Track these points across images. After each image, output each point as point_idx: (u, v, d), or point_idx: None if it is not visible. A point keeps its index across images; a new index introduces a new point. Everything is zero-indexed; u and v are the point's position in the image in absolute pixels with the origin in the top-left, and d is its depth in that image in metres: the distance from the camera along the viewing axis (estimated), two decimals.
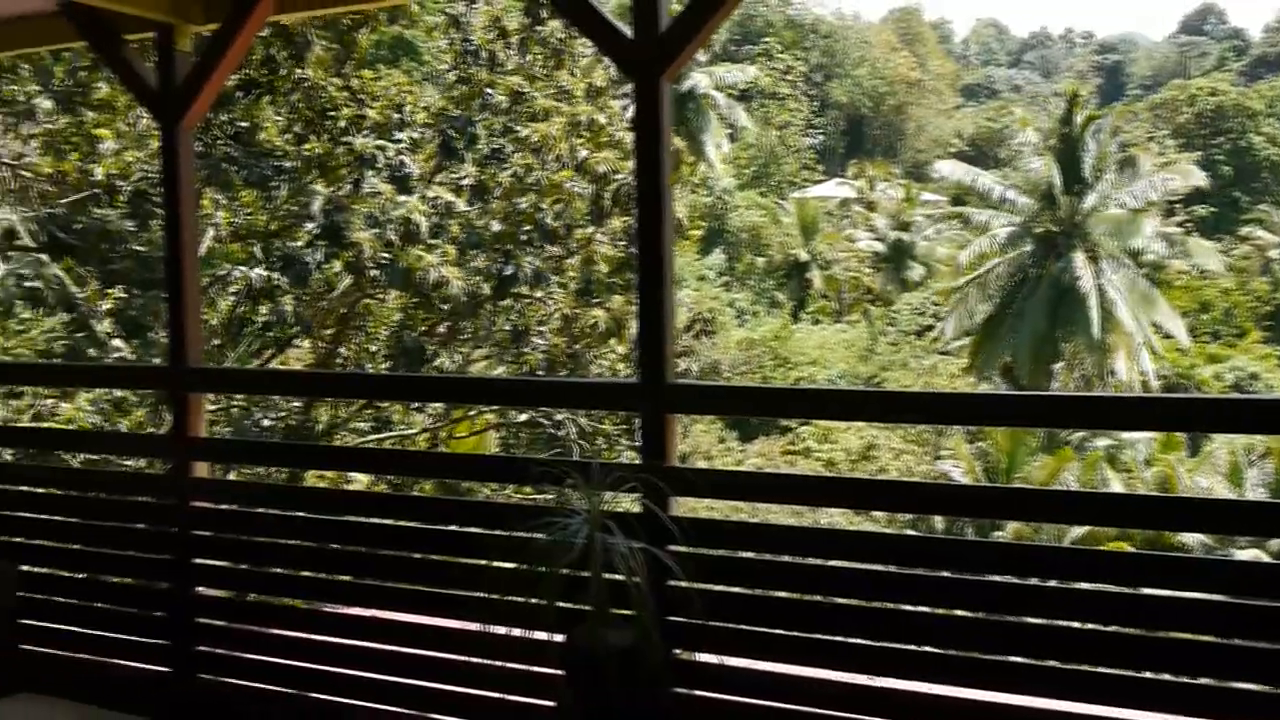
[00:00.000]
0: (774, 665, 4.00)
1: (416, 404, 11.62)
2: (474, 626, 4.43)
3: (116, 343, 10.26)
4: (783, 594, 4.03)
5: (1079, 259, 30.36)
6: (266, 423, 10.84)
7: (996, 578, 3.77)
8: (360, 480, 10.25)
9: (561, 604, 3.77)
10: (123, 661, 5.25)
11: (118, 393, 10.21)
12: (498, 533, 4.27)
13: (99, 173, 9.78)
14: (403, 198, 10.24)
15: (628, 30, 4.15)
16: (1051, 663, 3.66)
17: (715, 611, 3.95)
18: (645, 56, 4.08)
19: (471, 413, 12.35)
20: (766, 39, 41.62)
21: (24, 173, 10.11)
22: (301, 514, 5.02)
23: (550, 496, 6.11)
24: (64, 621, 5.39)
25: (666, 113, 4.09)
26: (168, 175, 5.10)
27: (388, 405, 11.59)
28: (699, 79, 39.49)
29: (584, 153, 11.03)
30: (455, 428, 12.61)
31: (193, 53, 5.11)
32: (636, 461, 4.20)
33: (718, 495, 4.62)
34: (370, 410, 11.66)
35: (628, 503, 4.07)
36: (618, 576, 3.74)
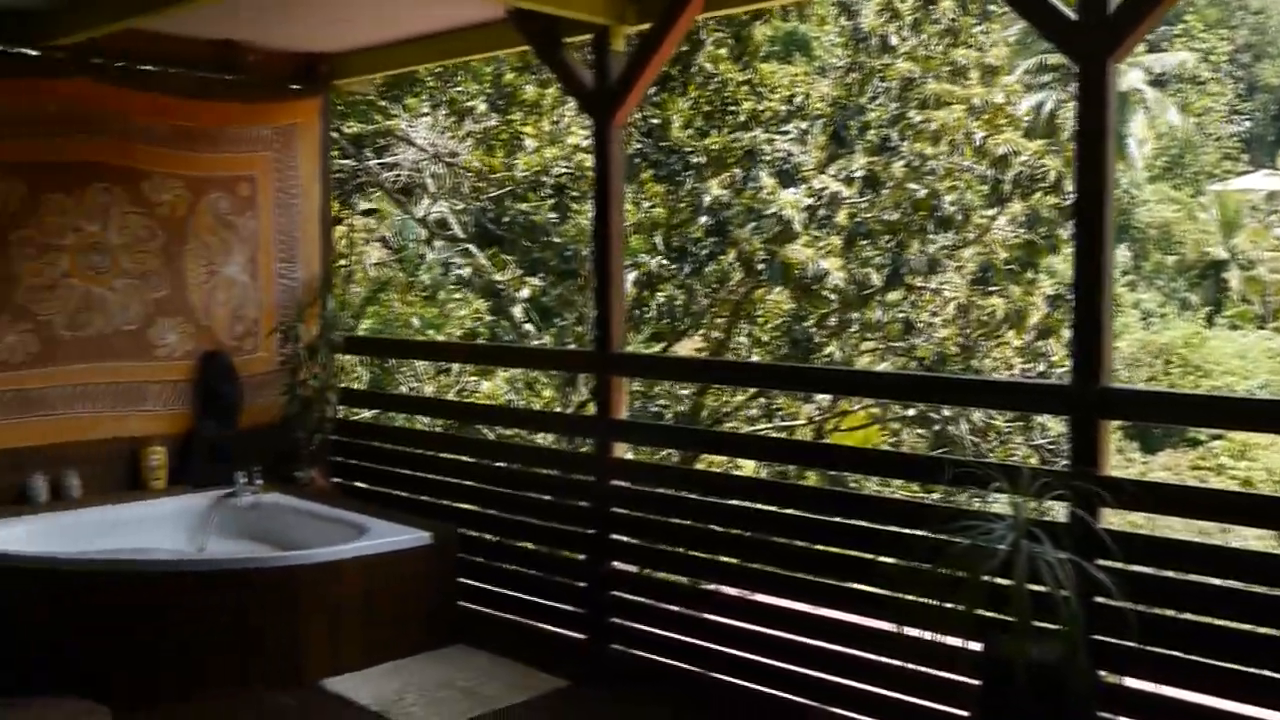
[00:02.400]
0: (1215, 701, 3.67)
1: (803, 395, 11.64)
2: (870, 622, 4.41)
3: (528, 327, 11.02)
4: (1236, 625, 3.67)
5: None
6: (654, 409, 11.27)
7: None
8: (746, 467, 10.45)
9: (980, 611, 3.64)
10: (544, 625, 5.63)
11: (530, 373, 10.96)
12: (916, 532, 4.17)
13: (522, 168, 10.52)
14: (789, 191, 10.27)
15: (1070, 12, 3.93)
16: None
17: (1148, 635, 3.68)
18: (1091, 38, 3.85)
19: (856, 406, 12.25)
20: (1187, 19, 38.34)
21: (458, 169, 11.07)
22: (711, 499, 5.16)
23: (955, 497, 5.96)
24: (495, 583, 5.85)
25: (1113, 101, 3.84)
26: (599, 170, 5.39)
27: (775, 395, 11.69)
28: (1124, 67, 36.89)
29: (981, 135, 10.60)
30: (841, 420, 12.53)
31: (624, 52, 5.36)
32: (1049, 467, 3.97)
33: (1167, 511, 4.28)
34: (758, 400, 11.83)
35: (1053, 511, 3.87)
36: (1040, 588, 3.56)
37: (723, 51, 10.55)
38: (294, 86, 6.77)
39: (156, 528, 5.83)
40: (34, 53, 5.83)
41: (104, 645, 4.81)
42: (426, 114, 10.89)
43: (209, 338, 6.38)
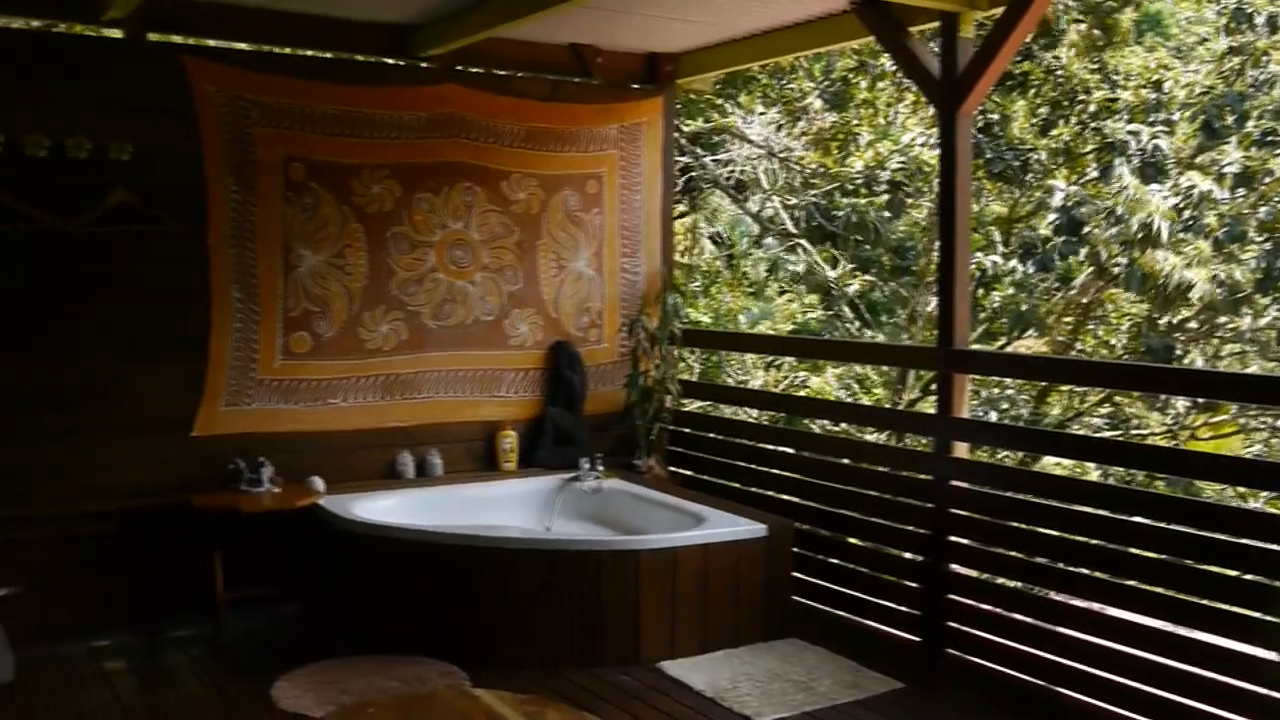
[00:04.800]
0: None
1: (1158, 403, 10.87)
2: (1243, 648, 4.05)
3: (857, 324, 10.88)
4: None
5: None
6: (993, 416, 10.84)
7: None
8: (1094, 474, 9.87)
9: None
10: (877, 625, 5.55)
11: (860, 370, 10.83)
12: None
13: (857, 165, 10.40)
14: (1153, 186, 9.56)
15: None
16: None
17: None
18: None
19: (1217, 418, 11.31)
20: None
21: (791, 165, 11.09)
22: (1056, 503, 4.90)
23: None
24: (827, 579, 5.83)
25: None
26: (945, 162, 5.24)
27: (1124, 401, 10.98)
28: None
29: None
30: (1198, 430, 11.61)
31: (973, 39, 5.19)
32: None
33: None
34: (1105, 406, 11.15)
35: None
36: None
37: (1075, 39, 9.99)
38: (639, 86, 7.00)
39: (507, 506, 6.20)
40: (410, 63, 6.34)
41: (460, 613, 5.16)
42: (762, 112, 10.98)
43: (557, 329, 6.71)
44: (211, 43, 6.50)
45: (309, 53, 6.19)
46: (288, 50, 6.07)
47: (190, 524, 5.52)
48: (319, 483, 5.86)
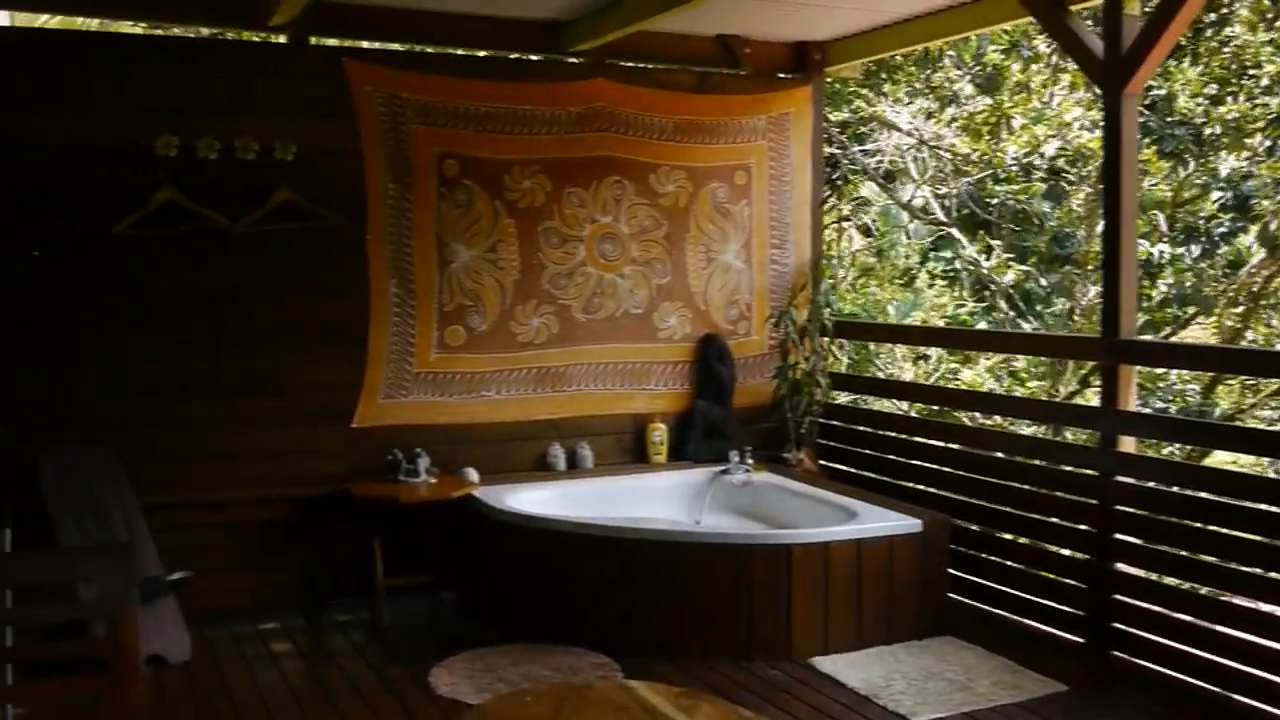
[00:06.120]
0: None
1: None
2: None
3: (1012, 315, 10.55)
4: None
5: None
6: (1158, 404, 10.40)
7: None
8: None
9: None
10: (1037, 624, 5.38)
11: (1015, 361, 10.51)
12: None
13: (1012, 151, 10.09)
14: None
15: None
16: None
17: None
18: None
19: None
20: None
21: (942, 153, 10.83)
22: (1232, 501, 4.67)
23: None
24: (984, 576, 5.68)
25: None
26: (1109, 143, 5.04)
27: None
28: None
29: None
30: None
31: (1139, 15, 4.97)
32: None
33: None
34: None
35: None
36: None
37: (1249, 15, 9.50)
38: (787, 76, 6.93)
39: (657, 499, 6.21)
40: (559, 59, 6.40)
41: (611, 603, 5.20)
42: (909, 102, 10.74)
43: (706, 321, 6.70)
44: (368, 44, 6.68)
45: (460, 51, 6.31)
46: (441, 50, 6.20)
47: (351, 513, 5.70)
48: (473, 474, 5.97)
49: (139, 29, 8.13)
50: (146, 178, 5.40)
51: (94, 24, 8.40)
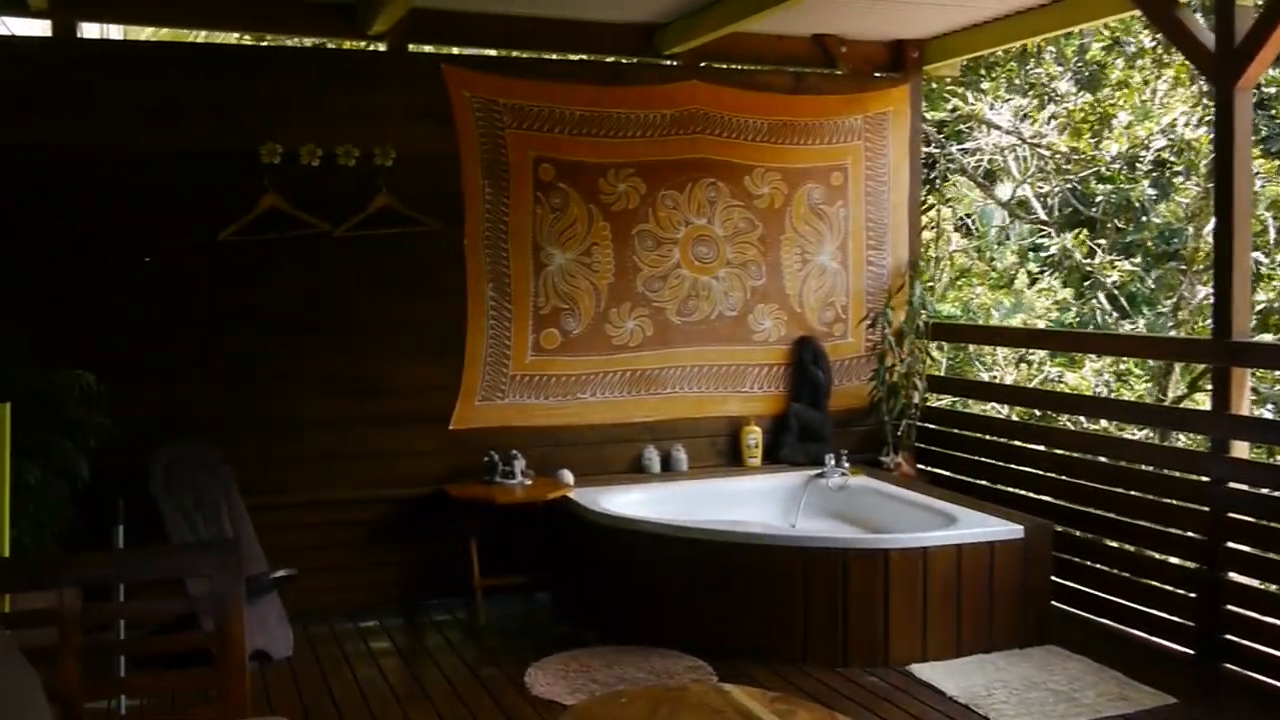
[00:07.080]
0: None
1: None
2: None
3: (1115, 316, 10.27)
4: None
5: None
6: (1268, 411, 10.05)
7: None
8: None
9: None
10: (1145, 635, 5.23)
11: (1121, 364, 10.23)
12: None
13: (1114, 148, 9.84)
14: None
15: None
16: None
17: None
18: None
19: None
20: None
21: (1042, 150, 10.60)
22: None
23: None
24: (1088, 584, 5.54)
25: None
26: (1221, 139, 4.88)
27: None
28: None
29: None
30: None
31: (1253, 7, 4.80)
32: None
33: None
34: None
35: None
36: None
37: None
38: (884, 75, 6.84)
39: (751, 502, 6.18)
40: (654, 62, 6.41)
41: (705, 606, 5.18)
42: (1009, 99, 10.53)
43: (801, 323, 6.64)
44: (463, 51, 6.76)
45: (554, 55, 6.36)
46: (535, 54, 6.25)
47: (448, 513, 5.78)
48: (568, 476, 6.01)
49: (246, 40, 8.36)
50: (251, 185, 5.54)
51: (200, 36, 8.65)
